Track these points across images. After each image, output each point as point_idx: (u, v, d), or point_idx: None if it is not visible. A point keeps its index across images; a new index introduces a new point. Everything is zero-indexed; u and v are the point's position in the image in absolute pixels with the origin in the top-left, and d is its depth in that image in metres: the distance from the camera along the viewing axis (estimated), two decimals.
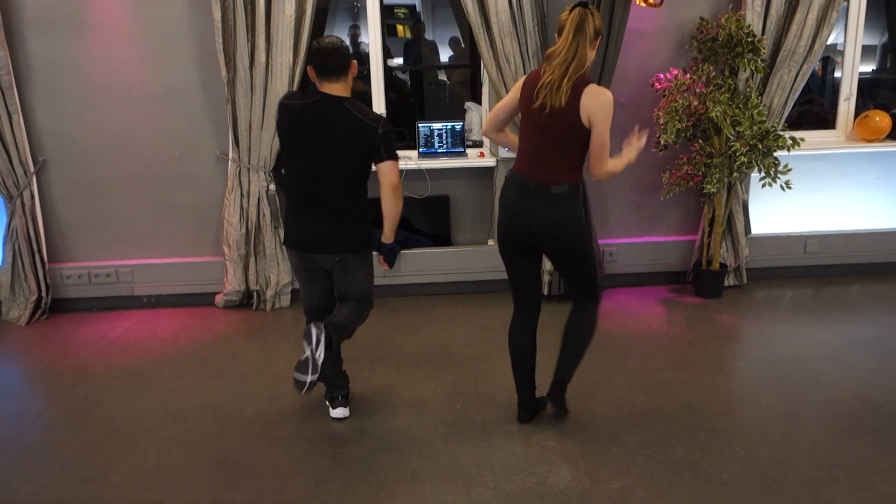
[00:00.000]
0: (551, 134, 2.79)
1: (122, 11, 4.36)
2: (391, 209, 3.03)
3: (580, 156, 2.85)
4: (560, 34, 2.76)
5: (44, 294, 4.60)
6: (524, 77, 2.92)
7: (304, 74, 4.41)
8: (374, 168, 3.00)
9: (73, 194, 4.64)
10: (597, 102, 2.71)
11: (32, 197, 4.51)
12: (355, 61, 2.98)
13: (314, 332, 2.85)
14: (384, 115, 3.02)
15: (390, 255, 3.22)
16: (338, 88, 2.92)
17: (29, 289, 4.55)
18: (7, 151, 4.39)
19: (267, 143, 4.42)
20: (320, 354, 2.85)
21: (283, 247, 3.06)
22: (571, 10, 2.74)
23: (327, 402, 3.29)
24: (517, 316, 3.16)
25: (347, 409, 3.26)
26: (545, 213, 2.83)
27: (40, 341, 4.28)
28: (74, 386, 3.67)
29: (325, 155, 2.92)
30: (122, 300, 4.76)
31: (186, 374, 3.77)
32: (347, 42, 6.95)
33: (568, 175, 2.82)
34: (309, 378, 2.82)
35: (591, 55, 2.77)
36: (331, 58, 2.88)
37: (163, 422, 3.28)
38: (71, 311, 4.72)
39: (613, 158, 2.88)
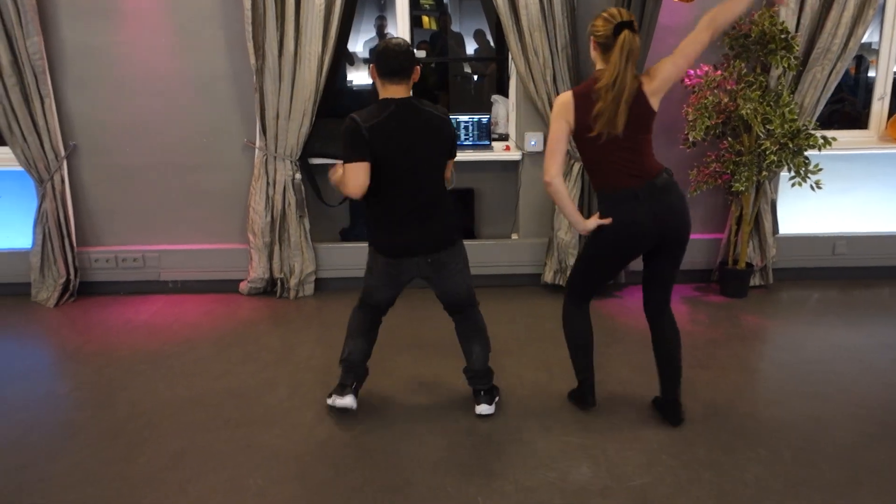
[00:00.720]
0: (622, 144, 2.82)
1: None
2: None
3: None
4: (599, 48, 2.78)
5: (72, 277, 4.67)
6: (565, 101, 2.82)
7: (333, 64, 4.43)
8: None
9: (102, 179, 4.70)
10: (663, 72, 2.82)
11: (63, 181, 4.58)
12: (419, 67, 2.90)
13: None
14: (446, 110, 3.00)
15: None
16: (401, 91, 2.84)
17: (58, 271, 4.62)
18: (39, 136, 4.45)
19: (294, 132, 4.45)
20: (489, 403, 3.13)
21: (375, 252, 3.05)
22: (619, 32, 2.70)
23: (333, 394, 3.18)
24: (579, 306, 3.12)
25: (355, 402, 3.16)
26: (671, 201, 2.87)
27: (68, 323, 4.35)
28: (101, 368, 3.72)
29: (425, 162, 2.89)
30: (149, 285, 4.82)
31: (210, 359, 3.81)
32: (374, 33, 6.99)
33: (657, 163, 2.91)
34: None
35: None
36: (397, 59, 2.79)
37: (187, 405, 3.32)
38: (98, 295, 4.79)
39: None
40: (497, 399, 3.22)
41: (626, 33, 2.70)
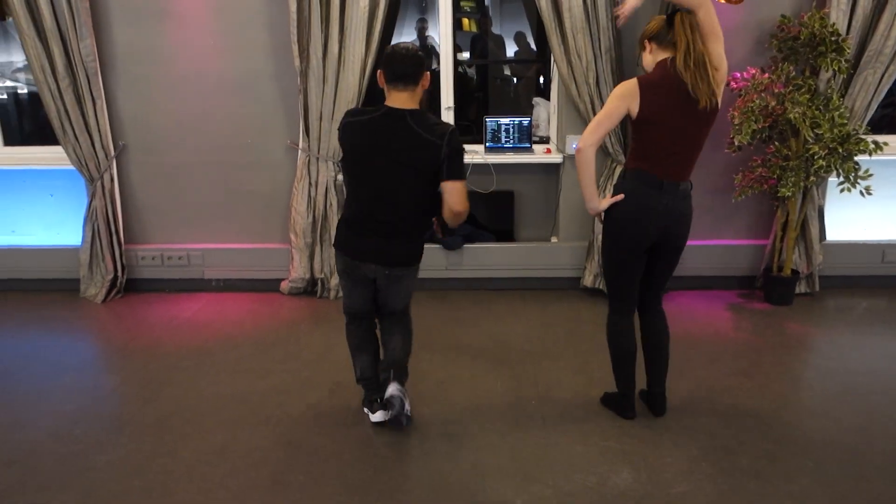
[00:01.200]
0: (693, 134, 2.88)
1: (201, 2, 4.48)
2: (454, 224, 2.89)
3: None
4: (655, 42, 2.86)
5: (119, 273, 4.78)
6: (631, 87, 2.84)
7: (375, 70, 4.46)
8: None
9: (150, 178, 4.80)
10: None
11: (112, 180, 4.69)
12: (429, 73, 2.80)
13: (395, 402, 2.94)
14: (452, 128, 2.75)
15: (445, 229, 3.04)
16: (404, 99, 2.73)
17: (106, 268, 4.74)
18: (90, 135, 4.57)
19: (336, 134, 4.49)
20: (401, 408, 2.96)
21: (335, 247, 2.97)
22: (672, 18, 2.78)
23: (365, 409, 3.19)
24: (622, 316, 3.10)
25: (388, 413, 3.04)
26: (683, 209, 2.93)
27: (115, 319, 4.46)
28: (146, 364, 3.80)
29: (388, 176, 2.75)
30: (193, 283, 4.91)
31: (252, 357, 3.86)
32: (414, 35, 7.02)
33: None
34: (403, 412, 2.97)
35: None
36: (402, 64, 2.69)
37: (229, 402, 3.37)
38: (144, 291, 4.89)
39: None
40: (404, 390, 3.04)
41: (680, 14, 2.76)
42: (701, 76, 2.74)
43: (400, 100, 2.74)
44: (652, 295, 3.11)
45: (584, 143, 2.87)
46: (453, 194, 2.74)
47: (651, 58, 2.90)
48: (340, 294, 4.74)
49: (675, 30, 2.78)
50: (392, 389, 2.98)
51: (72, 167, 4.68)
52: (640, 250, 2.97)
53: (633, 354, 3.12)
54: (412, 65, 2.70)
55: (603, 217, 3.03)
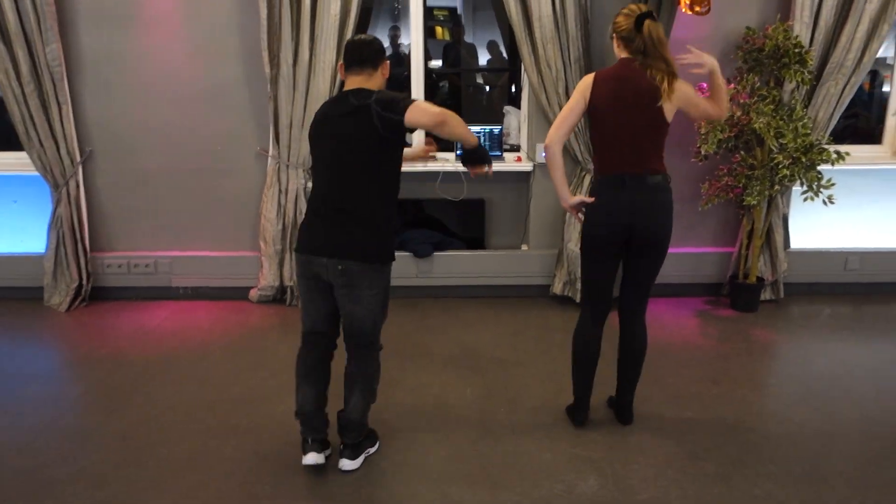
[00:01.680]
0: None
1: (171, 7, 4.45)
2: (457, 135, 2.72)
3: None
4: (622, 42, 2.90)
5: (84, 282, 4.71)
6: (587, 80, 2.94)
7: None
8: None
9: (116, 185, 4.74)
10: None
11: (78, 186, 4.62)
12: (388, 62, 2.80)
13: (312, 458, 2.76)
14: (380, 90, 2.70)
15: (478, 158, 2.87)
16: (357, 82, 2.70)
17: (70, 276, 4.66)
18: (56, 141, 4.50)
19: (307, 141, 4.47)
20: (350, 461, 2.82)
21: (295, 252, 2.81)
22: (641, 23, 2.81)
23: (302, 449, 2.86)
24: (591, 322, 3.08)
25: (322, 455, 2.83)
26: (652, 202, 2.92)
27: (79, 328, 4.38)
28: (111, 373, 3.74)
29: (339, 155, 2.67)
30: (160, 291, 4.85)
31: (220, 365, 3.82)
32: (387, 43, 7.03)
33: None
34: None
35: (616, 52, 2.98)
36: (357, 49, 2.71)
37: (196, 412, 3.33)
38: (110, 300, 4.82)
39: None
40: (370, 450, 2.94)
41: (648, 22, 2.81)
42: (658, 63, 2.81)
43: (354, 83, 2.72)
44: (635, 300, 3.06)
45: (550, 139, 2.94)
46: (416, 114, 2.57)
47: (618, 52, 2.96)
48: None
49: (644, 40, 2.82)
50: (344, 465, 2.81)
51: (36, 173, 4.60)
52: (611, 249, 2.97)
53: (595, 362, 3.11)
54: (367, 49, 2.72)
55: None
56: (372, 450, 2.96)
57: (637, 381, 3.16)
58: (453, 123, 2.65)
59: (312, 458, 2.80)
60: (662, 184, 2.93)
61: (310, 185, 4.56)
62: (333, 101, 2.77)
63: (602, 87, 2.88)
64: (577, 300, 4.60)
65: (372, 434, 3.00)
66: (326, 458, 2.87)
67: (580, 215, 3.05)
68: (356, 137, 2.63)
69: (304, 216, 2.83)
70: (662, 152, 2.95)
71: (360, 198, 2.67)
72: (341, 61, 2.79)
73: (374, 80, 2.73)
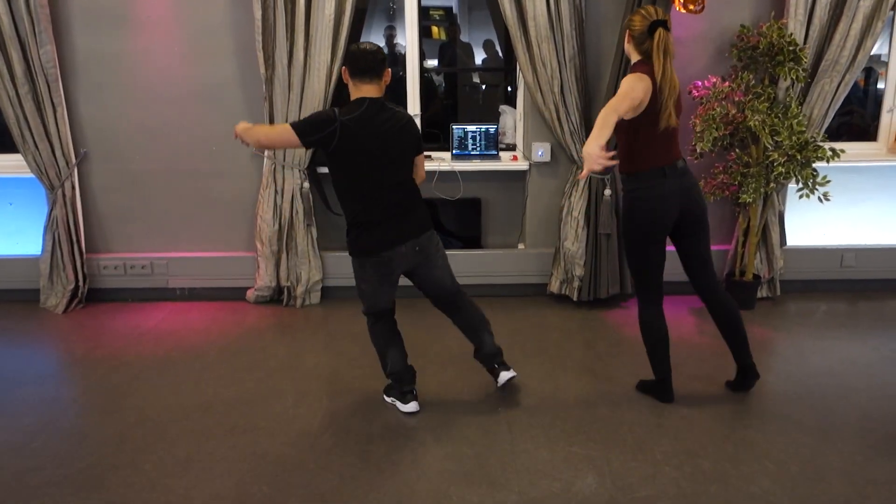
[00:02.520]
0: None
1: (165, 8, 4.44)
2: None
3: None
4: (633, 41, 3.04)
5: (81, 283, 4.70)
6: (649, 82, 2.98)
7: (341, 77, 4.44)
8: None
9: (112, 186, 4.73)
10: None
11: (73, 188, 4.61)
12: (389, 70, 3.06)
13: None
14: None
15: None
16: (374, 90, 2.99)
17: (67, 278, 4.65)
18: (50, 143, 4.49)
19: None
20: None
21: (361, 257, 3.12)
22: (654, 30, 2.95)
23: (395, 400, 3.36)
24: (651, 306, 3.26)
25: (418, 403, 3.33)
26: (696, 184, 3.19)
27: (76, 329, 4.38)
28: (108, 374, 3.74)
29: (392, 157, 3.02)
30: (157, 292, 4.85)
31: (217, 366, 3.82)
32: (383, 43, 7.03)
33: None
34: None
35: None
36: (366, 58, 2.95)
37: (193, 412, 3.33)
38: (106, 301, 4.81)
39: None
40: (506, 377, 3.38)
41: (660, 31, 2.94)
42: (668, 105, 2.98)
43: (371, 91, 2.99)
44: (706, 274, 3.28)
45: (617, 114, 2.87)
46: (421, 166, 3.21)
47: (629, 48, 3.10)
48: (307, 302, 4.72)
49: (652, 45, 2.96)
50: (505, 375, 3.34)
51: (32, 175, 4.59)
52: (667, 229, 3.16)
53: (667, 341, 3.29)
54: (375, 59, 2.96)
55: (623, 219, 3.25)
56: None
57: (747, 342, 3.36)
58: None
59: (413, 406, 3.29)
60: (686, 166, 3.16)
61: (305, 185, 4.56)
62: (375, 107, 2.98)
63: (655, 95, 3.00)
64: (574, 298, 4.60)
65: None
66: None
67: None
68: (407, 144, 3.08)
69: (357, 226, 3.08)
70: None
71: (411, 187, 3.15)
72: (345, 67, 3.01)
73: (380, 88, 3.03)
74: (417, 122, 4.73)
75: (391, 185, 3.05)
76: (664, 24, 2.95)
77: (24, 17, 4.24)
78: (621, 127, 3.05)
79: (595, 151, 2.74)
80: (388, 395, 3.40)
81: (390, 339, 3.30)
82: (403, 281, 4.68)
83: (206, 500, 2.68)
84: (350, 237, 3.11)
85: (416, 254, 3.11)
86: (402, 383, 3.31)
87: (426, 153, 3.29)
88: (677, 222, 3.16)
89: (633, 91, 2.92)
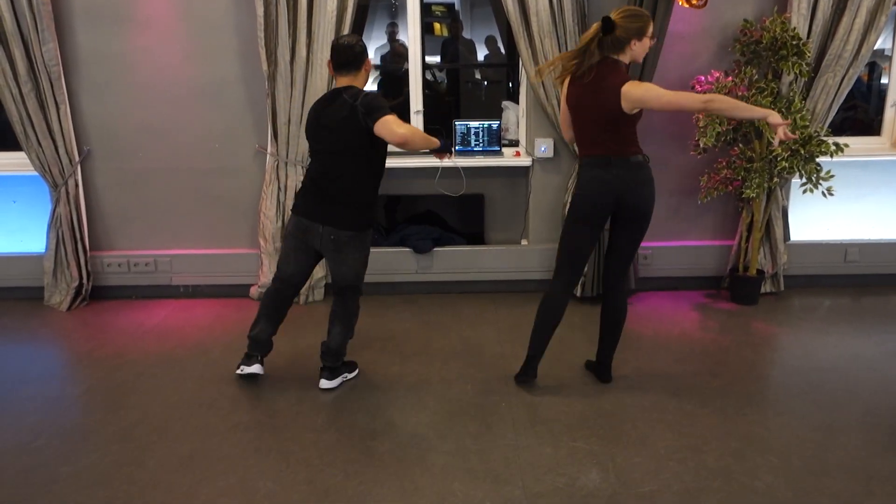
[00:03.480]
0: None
1: (167, 6, 4.44)
2: (420, 148, 3.21)
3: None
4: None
5: (85, 281, 4.71)
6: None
7: None
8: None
9: (115, 184, 4.74)
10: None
11: (77, 186, 4.62)
12: (370, 60, 3.26)
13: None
14: (366, 91, 3.20)
15: (441, 150, 3.36)
16: (345, 81, 3.21)
17: (70, 275, 4.66)
18: (54, 141, 4.50)
19: (305, 137, 4.47)
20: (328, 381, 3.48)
21: (292, 212, 3.39)
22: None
23: (241, 363, 3.58)
24: (560, 288, 3.37)
25: (260, 368, 3.56)
26: (641, 181, 3.22)
27: (80, 327, 4.39)
28: (112, 372, 3.75)
29: (331, 143, 3.19)
30: (160, 289, 4.85)
31: (221, 363, 3.83)
32: (385, 40, 7.03)
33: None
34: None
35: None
36: (342, 54, 3.17)
37: (197, 409, 3.33)
38: (110, 299, 4.82)
39: None
40: (348, 376, 3.57)
41: (595, 25, 3.11)
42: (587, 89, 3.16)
43: (342, 82, 3.22)
44: (616, 272, 3.36)
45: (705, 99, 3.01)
46: (382, 130, 3.05)
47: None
48: (310, 299, 4.73)
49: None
50: (322, 384, 3.46)
51: (35, 173, 4.60)
52: (601, 217, 3.26)
53: (555, 326, 3.40)
54: (350, 54, 3.17)
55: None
56: (350, 376, 3.60)
57: (616, 345, 3.49)
58: (415, 142, 3.11)
59: (257, 367, 3.54)
60: (643, 163, 3.23)
61: None
62: (326, 97, 3.25)
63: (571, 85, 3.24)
64: (578, 294, 4.60)
65: (352, 364, 3.64)
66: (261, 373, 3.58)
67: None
68: (345, 132, 3.15)
69: (301, 188, 3.39)
70: (636, 137, 3.26)
71: (349, 182, 3.22)
72: (328, 59, 3.24)
73: (359, 78, 3.23)
74: (419, 119, 4.73)
75: (327, 173, 3.23)
76: (607, 20, 3.08)
77: (27, 14, 4.24)
78: (632, 117, 3.15)
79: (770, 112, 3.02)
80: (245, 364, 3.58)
81: (271, 310, 3.51)
82: (403, 276, 4.73)
83: (210, 497, 2.68)
84: (297, 193, 3.43)
85: (330, 241, 3.27)
86: (254, 348, 3.55)
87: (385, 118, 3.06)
88: (615, 214, 3.27)
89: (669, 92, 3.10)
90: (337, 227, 3.23)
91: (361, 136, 3.12)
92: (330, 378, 3.49)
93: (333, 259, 3.33)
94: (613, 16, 3.09)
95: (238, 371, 3.55)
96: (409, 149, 3.14)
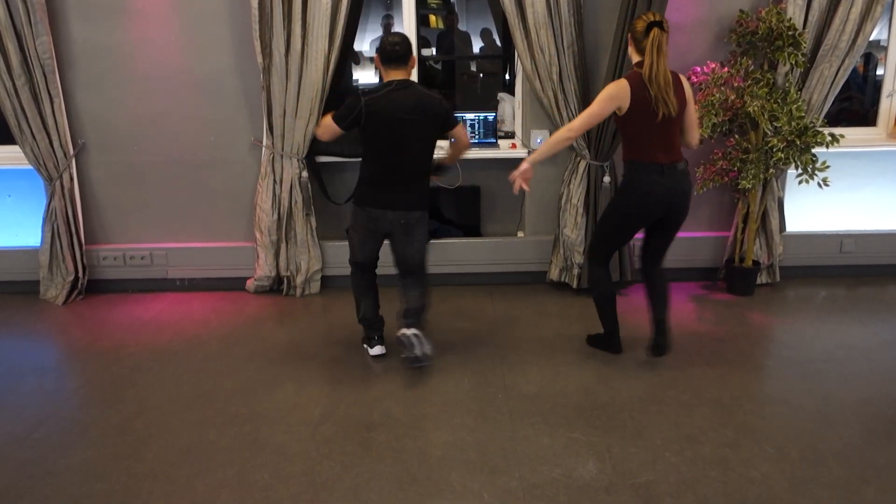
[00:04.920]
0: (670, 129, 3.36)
1: None
2: (464, 152, 3.74)
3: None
4: (634, 43, 3.33)
5: (80, 275, 4.70)
6: (622, 86, 3.28)
7: (339, 63, 4.43)
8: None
9: (110, 177, 4.72)
10: (690, 90, 3.44)
11: (72, 179, 4.61)
12: (415, 56, 3.48)
13: (414, 342, 3.49)
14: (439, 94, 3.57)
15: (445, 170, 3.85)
16: (398, 74, 3.40)
17: (66, 269, 4.65)
18: (48, 134, 4.48)
19: (300, 130, 4.46)
20: (422, 344, 3.51)
21: (358, 205, 3.56)
22: (650, 30, 3.22)
23: (365, 345, 3.82)
24: (602, 267, 3.63)
25: (384, 348, 3.77)
26: (688, 191, 3.43)
27: (76, 321, 4.38)
28: (109, 365, 3.74)
29: (410, 133, 3.38)
30: (156, 283, 4.85)
31: (217, 356, 3.82)
32: (380, 32, 7.01)
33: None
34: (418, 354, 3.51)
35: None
36: (394, 47, 3.36)
37: (194, 402, 3.34)
38: (106, 292, 4.82)
39: None
40: (422, 334, 3.57)
41: (655, 31, 3.21)
42: (662, 96, 3.23)
43: (397, 75, 3.40)
44: (656, 259, 3.61)
45: (573, 132, 3.37)
46: (460, 132, 3.59)
47: (631, 50, 3.38)
48: (307, 292, 4.72)
49: (647, 42, 3.22)
50: (406, 331, 3.53)
51: (30, 167, 4.58)
52: (647, 223, 3.51)
53: (614, 297, 3.68)
54: (401, 47, 3.39)
55: (618, 191, 3.63)
56: (425, 341, 3.60)
57: (668, 309, 3.61)
58: (468, 150, 3.78)
59: (378, 349, 3.77)
60: (687, 169, 3.43)
61: (304, 174, 4.55)
62: (399, 88, 3.38)
63: (637, 92, 3.28)
64: (574, 286, 4.61)
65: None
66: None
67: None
68: (429, 123, 3.43)
69: (363, 181, 3.52)
70: (680, 139, 3.46)
71: (423, 167, 3.52)
72: (377, 55, 3.43)
73: (408, 72, 3.45)
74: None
75: (401, 160, 3.43)
76: (660, 24, 3.21)
77: (20, 7, 4.22)
78: (619, 120, 3.38)
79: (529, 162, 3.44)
80: (363, 342, 3.85)
81: (365, 290, 3.72)
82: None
83: (208, 489, 2.69)
84: (356, 190, 3.55)
85: (400, 226, 3.48)
86: (370, 329, 3.77)
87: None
88: (659, 219, 3.45)
89: (596, 111, 3.32)
90: (407, 210, 3.47)
91: (437, 131, 3.47)
92: (417, 325, 3.59)
93: (402, 241, 3.54)
94: (657, 17, 3.24)
95: (371, 352, 3.78)
96: (462, 153, 3.72)
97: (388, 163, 3.45)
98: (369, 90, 3.40)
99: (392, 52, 3.38)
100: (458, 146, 3.66)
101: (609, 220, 3.58)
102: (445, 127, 3.50)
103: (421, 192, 3.54)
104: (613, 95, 3.28)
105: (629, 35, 3.36)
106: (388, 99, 3.36)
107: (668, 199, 3.37)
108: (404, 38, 3.42)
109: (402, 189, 3.47)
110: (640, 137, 3.34)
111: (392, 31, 6.81)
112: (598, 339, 3.81)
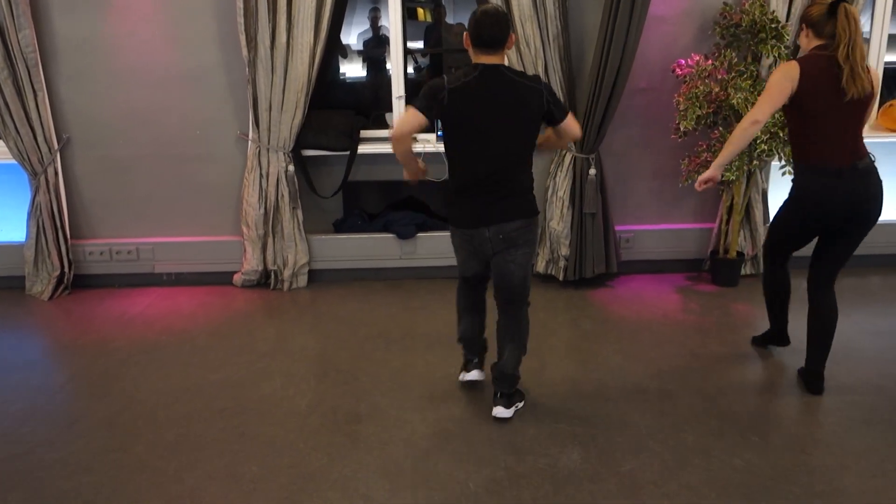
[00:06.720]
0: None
1: None
2: (565, 143, 3.22)
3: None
4: (811, 29, 3.02)
5: (66, 270, 4.68)
6: (790, 67, 2.99)
7: (325, 56, 4.43)
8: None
9: (95, 172, 4.70)
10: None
11: (56, 174, 4.58)
12: (513, 34, 2.97)
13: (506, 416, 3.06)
14: (537, 74, 3.07)
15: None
16: (494, 58, 2.80)
17: (52, 264, 4.63)
18: (32, 129, 4.45)
19: (286, 123, 4.46)
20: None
21: (450, 225, 3.08)
22: (835, 8, 2.90)
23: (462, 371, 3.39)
24: (777, 267, 3.42)
25: (481, 373, 3.34)
26: (875, 192, 3.06)
27: (63, 316, 4.37)
28: (96, 360, 3.74)
29: (501, 125, 2.82)
30: (143, 277, 4.84)
31: (205, 350, 3.83)
32: (367, 25, 6.99)
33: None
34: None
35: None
36: (490, 31, 2.75)
37: (182, 396, 3.34)
38: (93, 287, 4.80)
39: None
40: (518, 405, 3.14)
41: (843, 6, 2.89)
42: (856, 73, 2.89)
43: (490, 59, 2.80)
44: (827, 272, 3.21)
45: (762, 115, 3.02)
46: (572, 125, 2.96)
47: (806, 41, 3.08)
48: (294, 286, 4.73)
49: (837, 21, 2.90)
50: (498, 412, 3.06)
51: (13, 161, 4.55)
52: (820, 232, 3.20)
53: (788, 295, 3.47)
54: (498, 31, 2.76)
55: (788, 194, 3.23)
56: (520, 405, 3.16)
57: (828, 352, 3.25)
58: (568, 141, 3.18)
59: (475, 374, 3.33)
60: (871, 166, 3.08)
61: (290, 168, 4.55)
62: (484, 76, 2.79)
63: (809, 73, 2.96)
64: (560, 278, 4.63)
65: (522, 393, 3.21)
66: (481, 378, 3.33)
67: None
68: (527, 115, 2.84)
69: (453, 193, 2.99)
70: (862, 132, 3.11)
71: (520, 165, 2.92)
72: (467, 33, 2.79)
73: (503, 55, 2.83)
74: (401, 103, 4.72)
75: (491, 157, 2.85)
76: None
77: (2, 1, 4.18)
78: (792, 105, 3.05)
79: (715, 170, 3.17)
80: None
81: (467, 306, 3.26)
82: (387, 262, 4.67)
83: (196, 481, 2.70)
84: (447, 207, 3.08)
85: (499, 241, 2.91)
86: (468, 351, 3.34)
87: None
88: (838, 226, 3.10)
89: (776, 90, 2.99)
90: (504, 221, 2.88)
91: (537, 123, 2.89)
92: (507, 406, 3.07)
93: (502, 259, 2.95)
94: None
95: (460, 378, 3.38)
96: (565, 144, 3.22)
97: (474, 164, 2.88)
98: (453, 76, 2.83)
99: (487, 36, 2.74)
100: (561, 135, 3.00)
101: (779, 227, 3.33)
102: (549, 119, 2.90)
103: (517, 194, 2.91)
104: (784, 73, 2.97)
105: (802, 24, 3.08)
106: (476, 87, 2.78)
107: (846, 206, 3.01)
108: (504, 17, 2.80)
109: (493, 195, 2.87)
110: (813, 129, 3.02)
111: (380, 25, 6.79)
112: (764, 338, 3.68)
